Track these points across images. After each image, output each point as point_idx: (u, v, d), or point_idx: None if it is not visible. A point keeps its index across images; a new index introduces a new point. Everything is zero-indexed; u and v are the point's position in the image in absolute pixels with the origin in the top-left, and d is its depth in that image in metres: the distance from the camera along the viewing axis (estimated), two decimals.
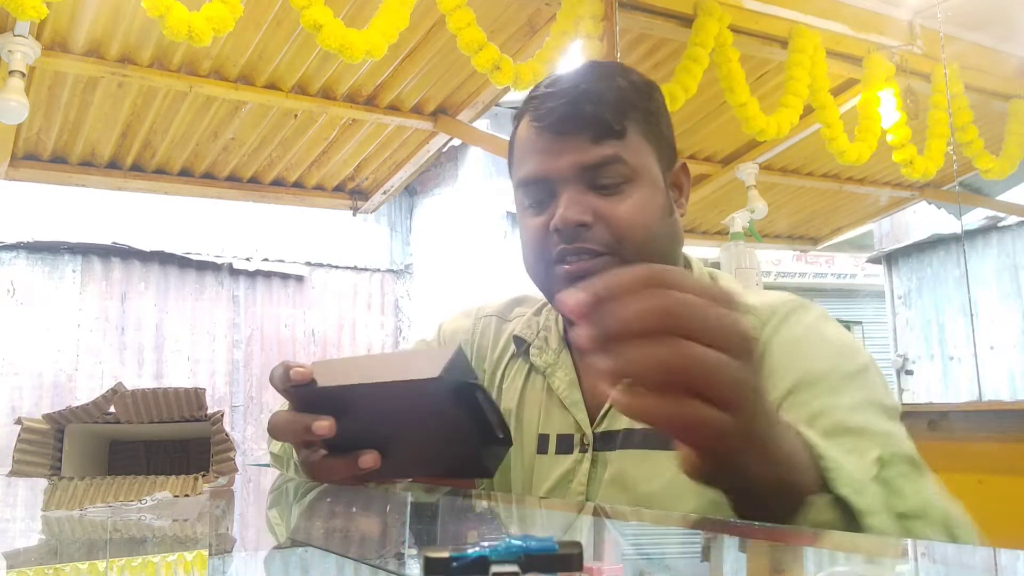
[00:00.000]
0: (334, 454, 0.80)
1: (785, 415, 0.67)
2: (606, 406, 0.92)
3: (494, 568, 0.36)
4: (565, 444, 0.94)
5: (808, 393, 0.78)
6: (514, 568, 0.36)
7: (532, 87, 1.00)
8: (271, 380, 0.80)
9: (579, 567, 0.38)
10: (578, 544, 0.38)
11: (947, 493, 0.72)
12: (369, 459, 0.74)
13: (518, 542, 0.37)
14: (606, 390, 0.50)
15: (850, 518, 0.60)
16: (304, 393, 0.75)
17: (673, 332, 0.48)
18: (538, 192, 0.92)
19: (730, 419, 0.51)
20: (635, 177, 0.90)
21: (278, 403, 0.90)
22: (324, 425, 0.74)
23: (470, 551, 0.36)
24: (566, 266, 0.89)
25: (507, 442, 0.72)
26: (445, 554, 0.36)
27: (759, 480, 0.56)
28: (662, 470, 0.85)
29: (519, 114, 0.97)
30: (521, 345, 1.03)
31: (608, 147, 0.89)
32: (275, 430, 0.81)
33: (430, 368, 0.66)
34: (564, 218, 0.87)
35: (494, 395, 1.04)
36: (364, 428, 0.74)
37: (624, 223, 0.88)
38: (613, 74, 0.94)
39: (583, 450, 0.92)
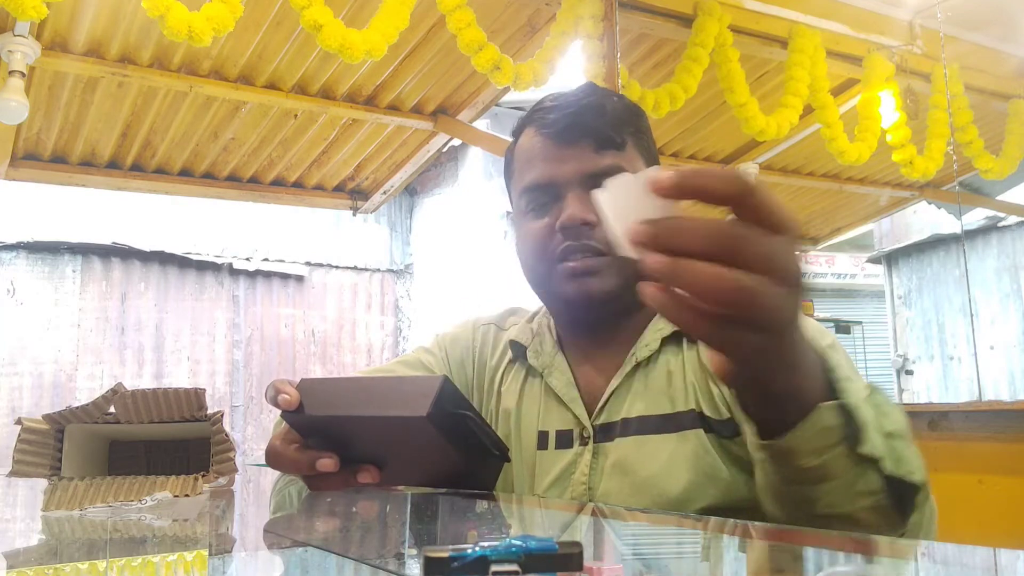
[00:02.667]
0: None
1: None
2: (602, 400, 0.97)
3: (494, 568, 0.35)
4: (565, 439, 0.99)
5: None
6: (514, 568, 0.36)
7: (533, 93, 1.06)
8: (266, 398, 0.81)
9: (579, 567, 0.38)
10: (578, 544, 0.38)
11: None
12: (367, 475, 0.76)
13: (518, 542, 0.37)
14: (649, 291, 0.52)
15: (852, 427, 0.64)
16: (294, 419, 0.75)
17: (733, 257, 0.50)
18: (542, 196, 0.98)
19: (766, 340, 0.55)
20: None
21: None
22: (328, 463, 0.75)
23: (470, 551, 0.36)
24: (569, 263, 0.95)
25: (503, 457, 0.73)
26: (445, 554, 0.36)
27: (780, 387, 0.61)
28: (659, 452, 0.91)
29: (520, 127, 1.04)
30: (518, 349, 1.07)
31: (609, 157, 0.96)
32: (276, 463, 0.82)
33: (418, 405, 0.67)
34: (571, 215, 0.94)
35: (494, 398, 1.08)
36: (358, 449, 0.75)
37: None
38: (609, 94, 1.03)
39: (583, 443, 0.97)
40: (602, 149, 0.96)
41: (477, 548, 0.36)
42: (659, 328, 1.00)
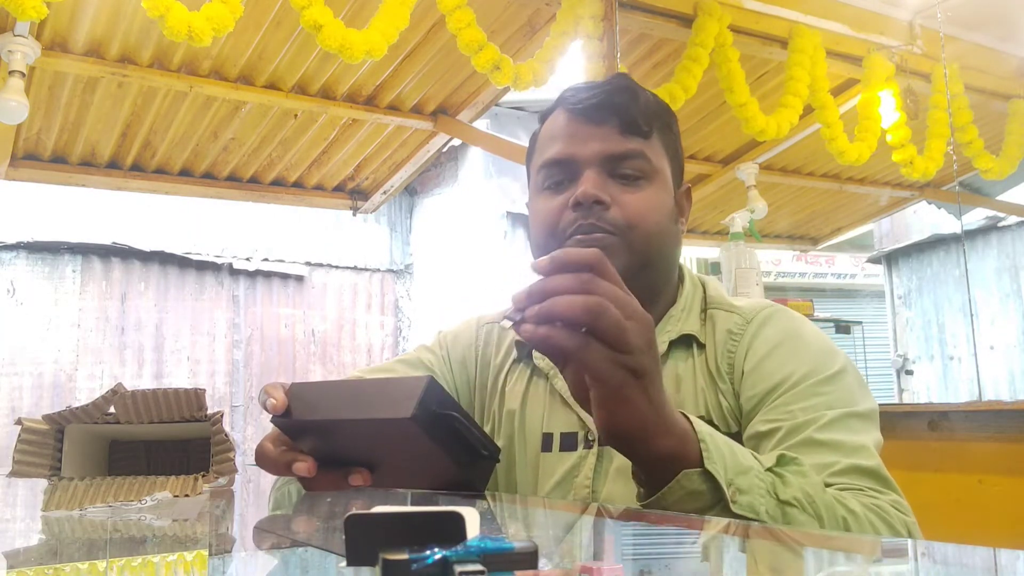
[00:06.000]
0: (326, 468, 0.81)
1: (766, 413, 0.86)
2: None
3: (459, 568, 0.36)
4: (569, 441, 0.98)
5: (789, 396, 0.87)
6: (479, 567, 0.36)
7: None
8: (259, 402, 0.81)
9: (534, 566, 0.38)
10: (533, 543, 0.38)
11: (899, 509, 0.78)
12: (358, 478, 0.76)
13: (475, 543, 0.37)
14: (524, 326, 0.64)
15: (720, 493, 0.69)
16: (283, 423, 0.75)
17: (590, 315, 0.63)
18: (560, 173, 0.97)
19: (627, 376, 0.65)
20: (653, 175, 0.96)
21: None
22: (302, 467, 0.76)
23: (428, 553, 0.36)
24: (579, 237, 0.93)
25: (493, 458, 0.73)
26: (403, 556, 0.36)
27: (652, 450, 0.69)
28: None
29: (548, 110, 1.02)
30: (523, 350, 1.06)
31: (634, 142, 0.94)
32: (261, 462, 0.83)
33: (402, 407, 0.67)
34: (586, 192, 0.92)
35: (497, 398, 1.07)
36: (347, 452, 0.75)
37: (638, 210, 0.93)
38: (643, 88, 1.01)
39: (588, 446, 0.96)
40: (628, 133, 0.94)
41: (435, 551, 0.36)
42: (667, 331, 0.98)
